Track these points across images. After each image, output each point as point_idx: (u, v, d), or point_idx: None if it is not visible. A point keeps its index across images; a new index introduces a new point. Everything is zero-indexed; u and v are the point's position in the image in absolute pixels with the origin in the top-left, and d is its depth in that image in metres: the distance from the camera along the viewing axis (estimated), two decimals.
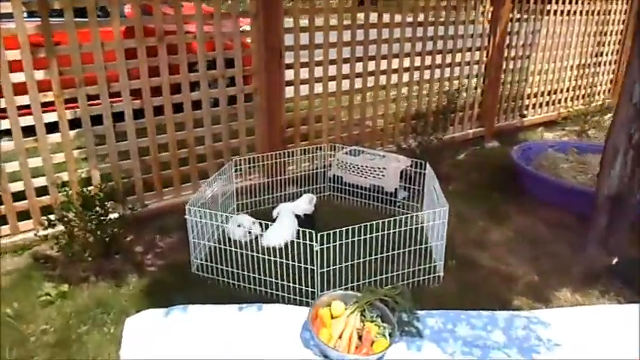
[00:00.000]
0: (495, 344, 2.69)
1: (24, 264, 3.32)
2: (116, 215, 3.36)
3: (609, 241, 3.53)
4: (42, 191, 3.55)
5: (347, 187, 4.32)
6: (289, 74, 4.27)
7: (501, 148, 5.72)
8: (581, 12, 6.24)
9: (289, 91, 4.35)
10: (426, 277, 3.19)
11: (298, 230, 3.66)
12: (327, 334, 2.55)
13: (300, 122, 4.51)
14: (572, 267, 3.45)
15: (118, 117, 3.68)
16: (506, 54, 5.62)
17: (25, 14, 3.21)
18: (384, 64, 4.80)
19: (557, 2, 5.92)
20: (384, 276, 3.07)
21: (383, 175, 4.19)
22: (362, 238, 2.89)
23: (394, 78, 4.94)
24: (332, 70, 4.52)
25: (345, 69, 4.60)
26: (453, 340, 2.70)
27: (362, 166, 4.26)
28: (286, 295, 2.98)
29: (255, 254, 3.03)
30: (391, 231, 2.98)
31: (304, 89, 4.44)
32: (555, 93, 6.38)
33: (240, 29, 4.00)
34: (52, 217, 3.33)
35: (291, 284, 2.97)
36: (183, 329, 2.67)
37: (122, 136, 3.73)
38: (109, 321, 2.80)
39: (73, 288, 3.06)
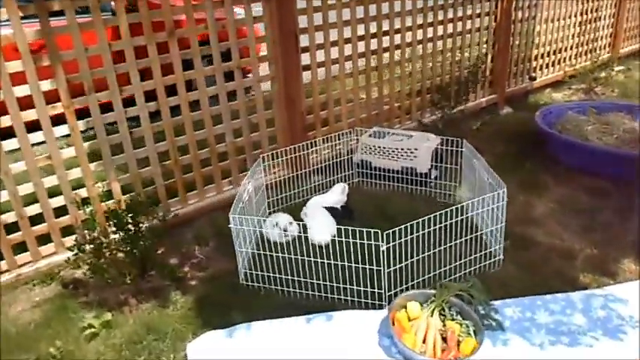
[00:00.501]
0: (579, 328, 2.58)
1: (54, 293, 3.05)
2: (142, 227, 3.10)
3: None
4: (60, 211, 3.26)
5: (376, 172, 4.12)
6: (304, 58, 4.00)
7: (515, 113, 5.59)
8: None
9: (306, 76, 4.08)
10: (487, 262, 3.03)
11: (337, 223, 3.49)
12: (410, 339, 2.38)
13: (319, 108, 4.26)
14: (625, 236, 3.34)
15: (133, 122, 3.38)
16: (513, 17, 5.42)
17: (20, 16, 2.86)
18: (397, 39, 4.55)
19: None
20: (446, 267, 2.90)
21: (415, 157, 4.00)
22: (425, 231, 2.70)
23: (408, 52, 4.71)
24: (347, 49, 4.27)
25: (361, 47, 4.34)
26: (536, 329, 2.58)
27: (391, 149, 4.05)
28: (350, 298, 2.78)
29: (310, 259, 2.82)
30: (453, 220, 2.79)
31: (321, 73, 4.18)
32: (560, 52, 6.24)
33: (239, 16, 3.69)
34: (78, 237, 3.07)
35: (354, 287, 2.78)
36: (250, 349, 2.47)
37: (139, 142, 3.44)
38: (165, 348, 2.57)
39: (116, 315, 2.82)
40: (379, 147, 4.11)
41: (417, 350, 2.33)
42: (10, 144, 2.97)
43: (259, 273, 2.94)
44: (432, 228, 2.71)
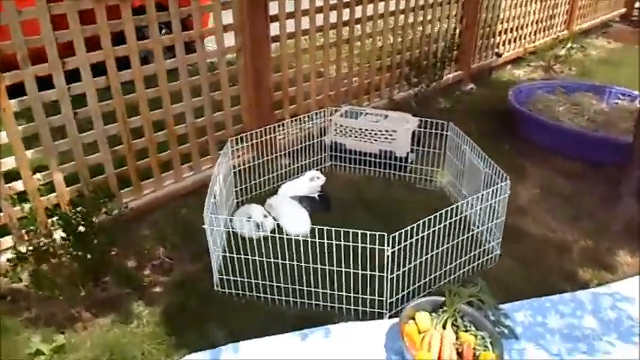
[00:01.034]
0: (593, 332, 2.43)
1: None
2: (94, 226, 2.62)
3: None
4: None
5: (349, 155, 3.80)
6: (272, 28, 3.56)
7: (480, 90, 5.42)
8: None
9: (274, 49, 3.65)
10: (485, 258, 2.82)
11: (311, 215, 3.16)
12: (424, 356, 2.11)
13: (288, 83, 3.85)
14: (614, 224, 3.23)
15: (78, 102, 2.85)
16: None
17: None
18: (369, 10, 4.19)
19: None
20: (446, 268, 2.65)
21: (393, 139, 3.70)
22: (430, 231, 2.41)
23: (380, 25, 4.36)
24: (319, 19, 3.86)
25: (332, 17, 3.95)
26: (550, 334, 2.40)
27: (367, 130, 3.73)
28: (345, 306, 2.48)
29: (301, 264, 2.47)
30: (456, 218, 2.53)
31: (289, 45, 3.76)
32: (522, 28, 6.10)
33: None
34: (15, 239, 2.56)
35: (352, 294, 2.46)
36: None
37: (85, 124, 2.91)
38: None
39: (69, 335, 2.36)
40: (353, 128, 3.78)
41: None
42: None
43: (238, 279, 2.56)
44: (434, 228, 2.43)
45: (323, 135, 3.79)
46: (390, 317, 2.43)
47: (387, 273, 2.32)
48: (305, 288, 2.49)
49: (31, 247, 2.44)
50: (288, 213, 3.18)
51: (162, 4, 2.98)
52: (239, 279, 2.56)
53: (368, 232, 2.24)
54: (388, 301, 2.42)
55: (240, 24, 3.35)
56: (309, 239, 2.34)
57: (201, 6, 3.18)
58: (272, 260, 2.48)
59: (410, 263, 2.42)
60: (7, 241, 2.74)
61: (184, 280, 2.71)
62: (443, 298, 2.35)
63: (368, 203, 3.39)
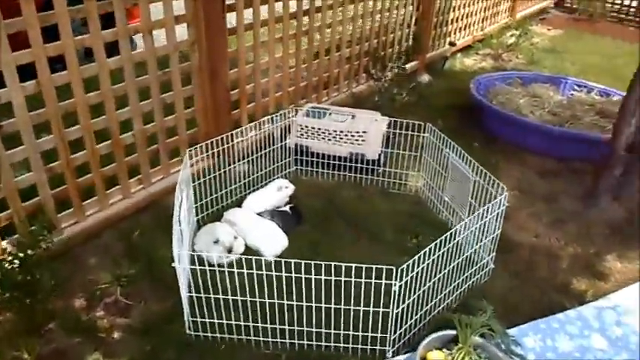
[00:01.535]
0: (604, 354, 2.29)
1: None
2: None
3: (621, 192, 3.29)
4: None
5: (316, 159, 3.47)
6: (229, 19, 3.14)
7: (437, 81, 5.23)
8: None
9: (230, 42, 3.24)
10: (479, 274, 2.62)
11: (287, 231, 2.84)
12: None
13: (245, 80, 3.44)
14: (596, 226, 3.15)
15: (3, 112, 2.33)
16: None
17: None
18: None
19: None
20: (445, 291, 2.41)
21: (363, 140, 3.42)
22: (434, 257, 2.16)
23: (339, 14, 4.04)
24: (278, 7, 3.47)
25: (292, 6, 3.57)
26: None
27: (335, 131, 3.42)
28: (342, 345, 2.18)
29: (291, 303, 2.13)
30: (461, 236, 2.29)
31: (247, 38, 3.35)
32: (470, 16, 5.98)
33: None
34: None
35: (350, 332, 2.17)
36: None
37: (12, 139, 2.39)
38: None
39: None
40: (319, 129, 3.45)
41: None
42: None
43: (215, 321, 2.19)
44: (439, 253, 2.17)
45: (286, 137, 3.43)
46: (393, 355, 2.17)
47: (392, 308, 2.04)
48: (296, 328, 2.17)
49: None
50: (259, 230, 2.83)
51: None
52: (216, 320, 2.19)
53: (374, 266, 1.94)
54: (392, 338, 2.14)
55: (194, 14, 2.90)
56: (303, 275, 2.01)
57: None
58: (257, 300, 2.12)
59: (414, 294, 2.15)
60: None
61: (148, 323, 2.30)
62: (452, 332, 2.11)
63: (343, 213, 3.11)
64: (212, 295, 2.15)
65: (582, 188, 3.47)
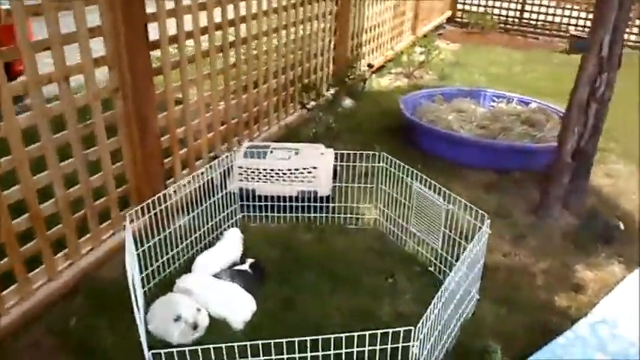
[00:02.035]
0: None
1: None
2: None
3: (570, 200, 3.34)
4: None
5: (263, 203, 3.17)
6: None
7: (360, 105, 5.13)
8: None
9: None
10: (468, 308, 2.46)
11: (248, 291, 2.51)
12: None
13: (174, 124, 3.07)
14: (555, 237, 3.17)
15: None
16: None
17: None
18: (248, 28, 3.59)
19: None
20: (445, 336, 2.21)
21: (313, 177, 3.18)
22: (442, 301, 1.96)
23: (264, 45, 3.79)
24: (204, 41, 3.15)
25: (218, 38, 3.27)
26: None
27: (281, 170, 3.15)
28: None
29: None
30: (460, 274, 2.11)
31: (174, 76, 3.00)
32: (380, 36, 6.01)
33: None
34: None
35: None
36: None
37: None
38: None
39: None
40: (263, 169, 3.17)
41: None
42: None
43: None
44: (441, 302, 1.98)
45: (227, 183, 3.08)
46: None
47: None
48: None
49: None
50: (221, 296, 2.46)
51: None
52: None
53: (390, 330, 1.69)
54: None
55: (115, 55, 2.51)
56: (309, 354, 1.70)
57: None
58: None
59: (425, 349, 1.93)
60: None
61: None
62: None
63: (305, 260, 2.83)
64: None
65: (530, 200, 3.49)
